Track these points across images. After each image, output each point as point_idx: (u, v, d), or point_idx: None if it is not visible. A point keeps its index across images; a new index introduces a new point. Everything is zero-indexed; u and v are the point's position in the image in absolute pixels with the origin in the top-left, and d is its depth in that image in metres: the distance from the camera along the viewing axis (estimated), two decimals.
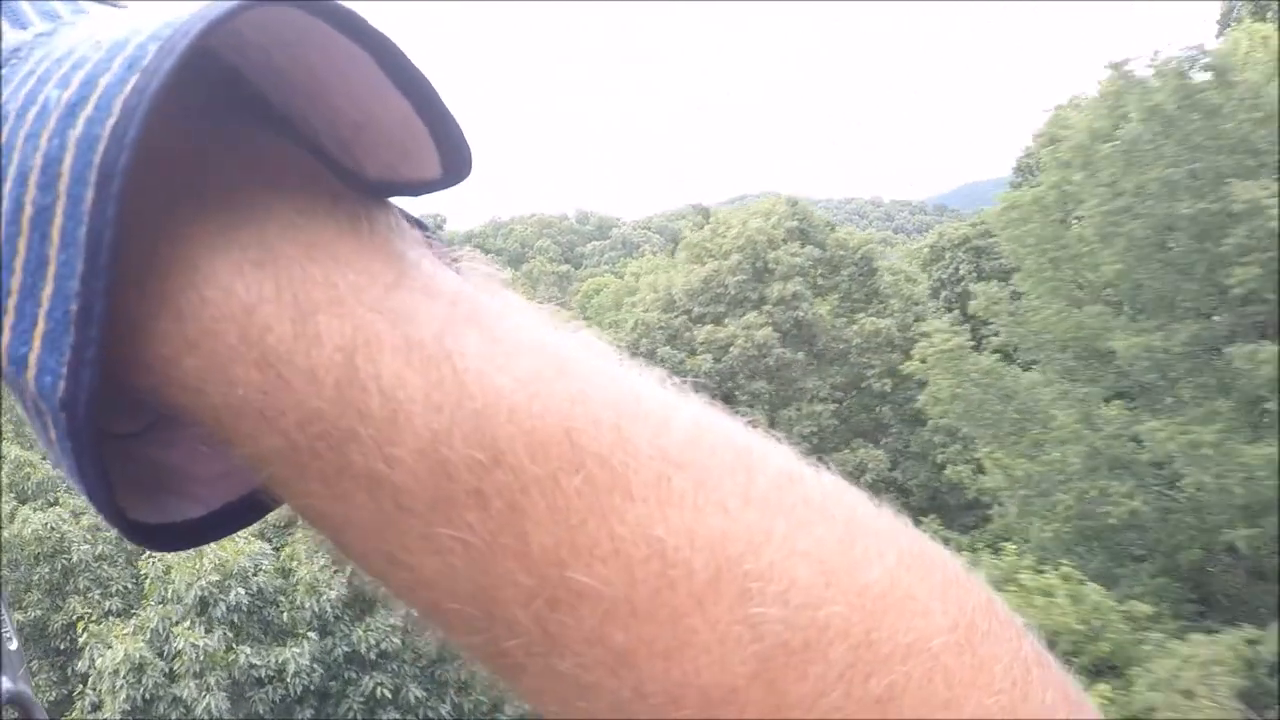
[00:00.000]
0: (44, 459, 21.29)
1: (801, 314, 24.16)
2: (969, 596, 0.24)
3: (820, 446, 24.10)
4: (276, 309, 0.24)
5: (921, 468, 25.56)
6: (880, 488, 24.50)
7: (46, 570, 14.87)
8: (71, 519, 17.30)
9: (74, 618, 14.02)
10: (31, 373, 0.24)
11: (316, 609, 12.92)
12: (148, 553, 13.30)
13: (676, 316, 23.93)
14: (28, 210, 0.24)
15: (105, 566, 16.93)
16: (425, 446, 0.23)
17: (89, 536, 16.92)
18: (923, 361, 18.23)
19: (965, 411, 17.39)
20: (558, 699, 0.24)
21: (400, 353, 0.24)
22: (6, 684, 0.55)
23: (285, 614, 13.02)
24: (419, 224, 0.30)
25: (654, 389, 0.26)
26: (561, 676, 0.23)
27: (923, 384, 26.55)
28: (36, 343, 0.24)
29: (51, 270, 0.24)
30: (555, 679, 0.23)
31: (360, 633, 13.03)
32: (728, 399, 24.85)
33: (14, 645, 0.58)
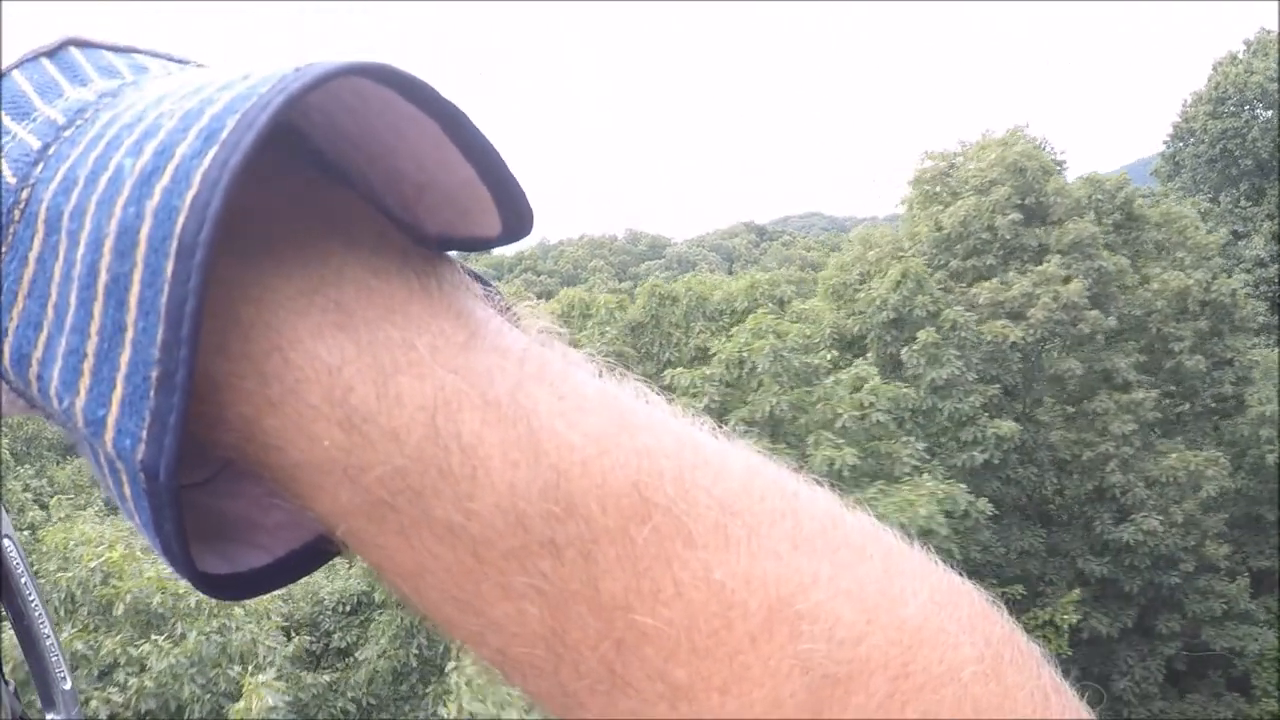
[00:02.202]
0: None
1: (1103, 265, 14.97)
2: (994, 629, 0.24)
3: (1140, 450, 14.79)
4: (358, 370, 0.24)
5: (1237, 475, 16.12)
6: (1213, 505, 15.59)
7: None
8: None
9: None
10: (109, 434, 0.23)
11: None
12: None
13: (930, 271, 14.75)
14: (103, 277, 0.23)
15: None
16: (503, 500, 0.23)
17: None
18: None
19: None
20: None
21: (478, 411, 0.23)
22: None
23: None
24: (478, 278, 0.29)
25: (706, 437, 0.26)
26: (622, 713, 0.23)
27: (1226, 362, 17.78)
28: (114, 406, 0.23)
29: (129, 336, 0.23)
30: (616, 716, 0.23)
31: None
32: (1010, 393, 16.27)
33: (68, 685, 0.56)
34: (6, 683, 0.45)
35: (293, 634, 9.70)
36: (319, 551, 0.30)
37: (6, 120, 0.26)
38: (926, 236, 15.67)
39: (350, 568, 13.33)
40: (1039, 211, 15.88)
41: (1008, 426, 12.64)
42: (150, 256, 0.22)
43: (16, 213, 0.25)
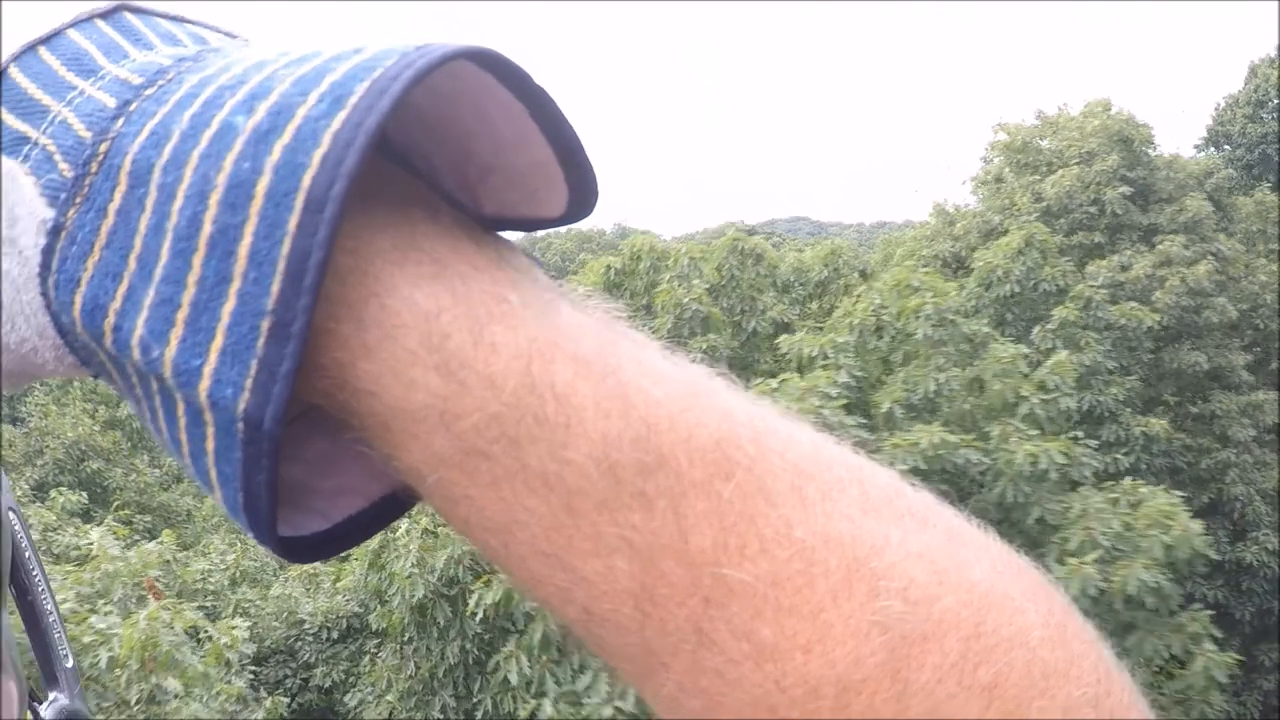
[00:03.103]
0: None
1: (1220, 248, 12.64)
2: (1055, 601, 0.24)
3: (1258, 460, 12.48)
4: (454, 318, 0.24)
5: None
6: None
7: None
8: None
9: None
10: (205, 384, 0.23)
11: None
12: None
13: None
14: (207, 229, 0.23)
15: None
16: (596, 450, 0.23)
17: None
18: None
19: None
20: (700, 694, 0.23)
21: (570, 363, 0.23)
22: (64, 701, 0.52)
23: None
24: (536, 262, 0.30)
25: (771, 410, 0.26)
26: (706, 672, 0.22)
27: None
28: (213, 356, 0.23)
29: (235, 287, 0.23)
30: (700, 675, 0.22)
31: None
32: (1138, 400, 13.80)
33: (70, 663, 0.55)
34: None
35: (264, 688, 6.80)
36: (374, 518, 0.29)
37: (71, 76, 0.26)
38: (1026, 207, 13.21)
39: (337, 582, 10.42)
40: (1142, 188, 13.57)
41: (1159, 425, 10.21)
42: (268, 209, 0.22)
43: (94, 165, 0.25)
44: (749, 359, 9.88)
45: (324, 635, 8.60)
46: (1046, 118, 15.43)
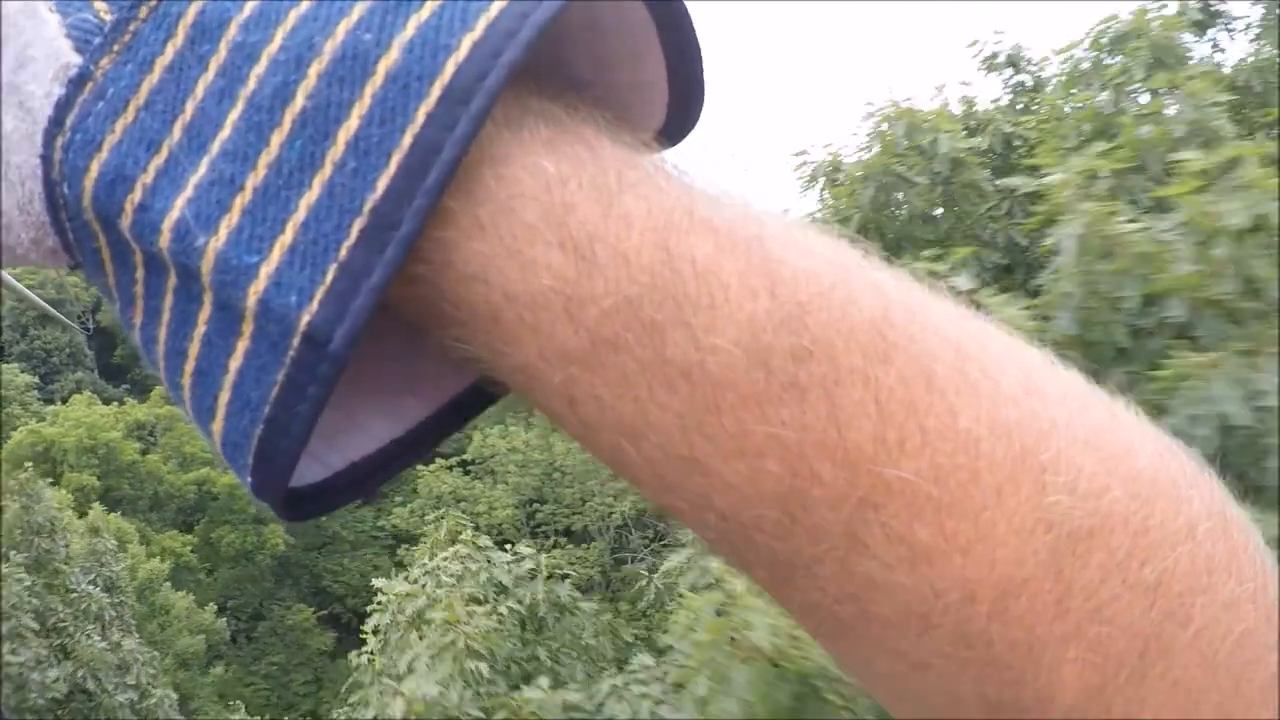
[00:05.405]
0: None
1: None
2: (1214, 487, 0.21)
3: None
4: (579, 186, 0.20)
5: None
6: None
7: None
8: None
9: None
10: (260, 284, 0.19)
11: None
12: None
13: None
14: (298, 103, 0.19)
15: None
16: (743, 335, 0.19)
17: None
18: None
19: None
20: (848, 601, 0.20)
21: (710, 234, 0.20)
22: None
23: None
24: None
25: (918, 283, 0.22)
26: (855, 578, 0.20)
27: None
28: (275, 254, 0.19)
29: (324, 175, 0.19)
30: (848, 581, 0.20)
31: None
32: None
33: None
34: None
35: None
36: (380, 465, 0.25)
37: None
38: None
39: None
40: None
41: None
42: (389, 93, 0.19)
43: (143, 10, 0.21)
44: None
45: None
46: None
